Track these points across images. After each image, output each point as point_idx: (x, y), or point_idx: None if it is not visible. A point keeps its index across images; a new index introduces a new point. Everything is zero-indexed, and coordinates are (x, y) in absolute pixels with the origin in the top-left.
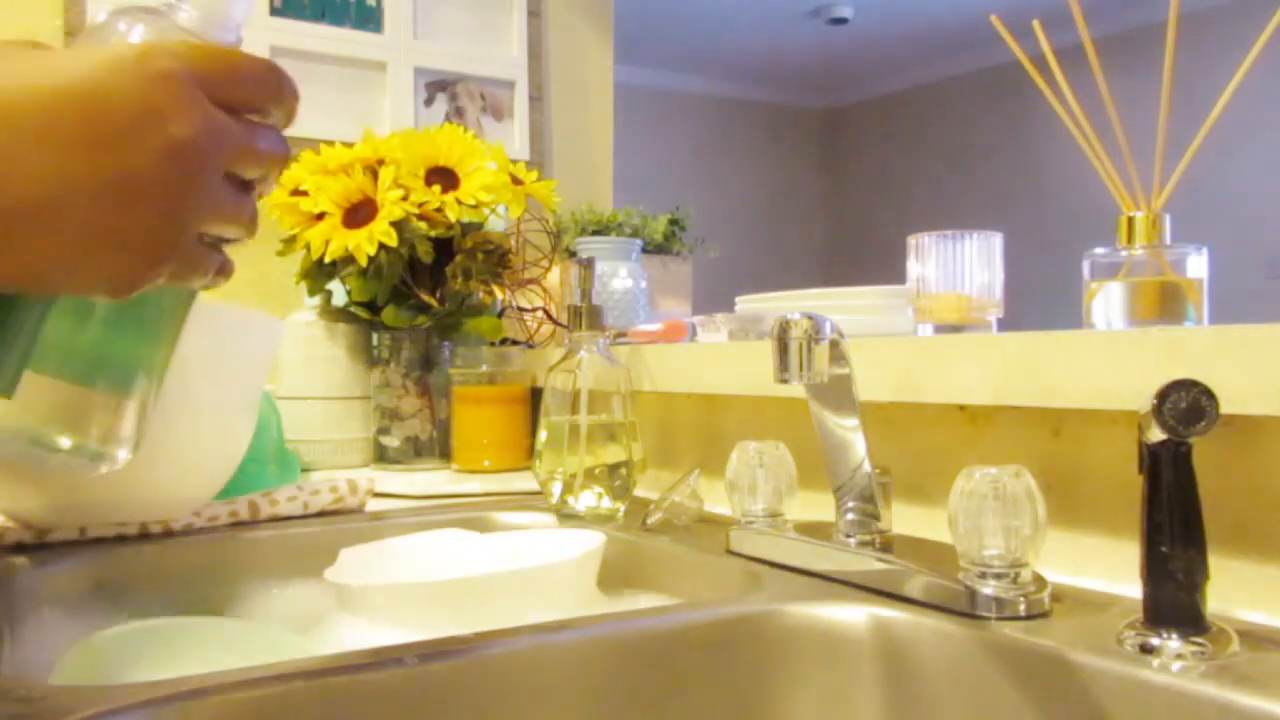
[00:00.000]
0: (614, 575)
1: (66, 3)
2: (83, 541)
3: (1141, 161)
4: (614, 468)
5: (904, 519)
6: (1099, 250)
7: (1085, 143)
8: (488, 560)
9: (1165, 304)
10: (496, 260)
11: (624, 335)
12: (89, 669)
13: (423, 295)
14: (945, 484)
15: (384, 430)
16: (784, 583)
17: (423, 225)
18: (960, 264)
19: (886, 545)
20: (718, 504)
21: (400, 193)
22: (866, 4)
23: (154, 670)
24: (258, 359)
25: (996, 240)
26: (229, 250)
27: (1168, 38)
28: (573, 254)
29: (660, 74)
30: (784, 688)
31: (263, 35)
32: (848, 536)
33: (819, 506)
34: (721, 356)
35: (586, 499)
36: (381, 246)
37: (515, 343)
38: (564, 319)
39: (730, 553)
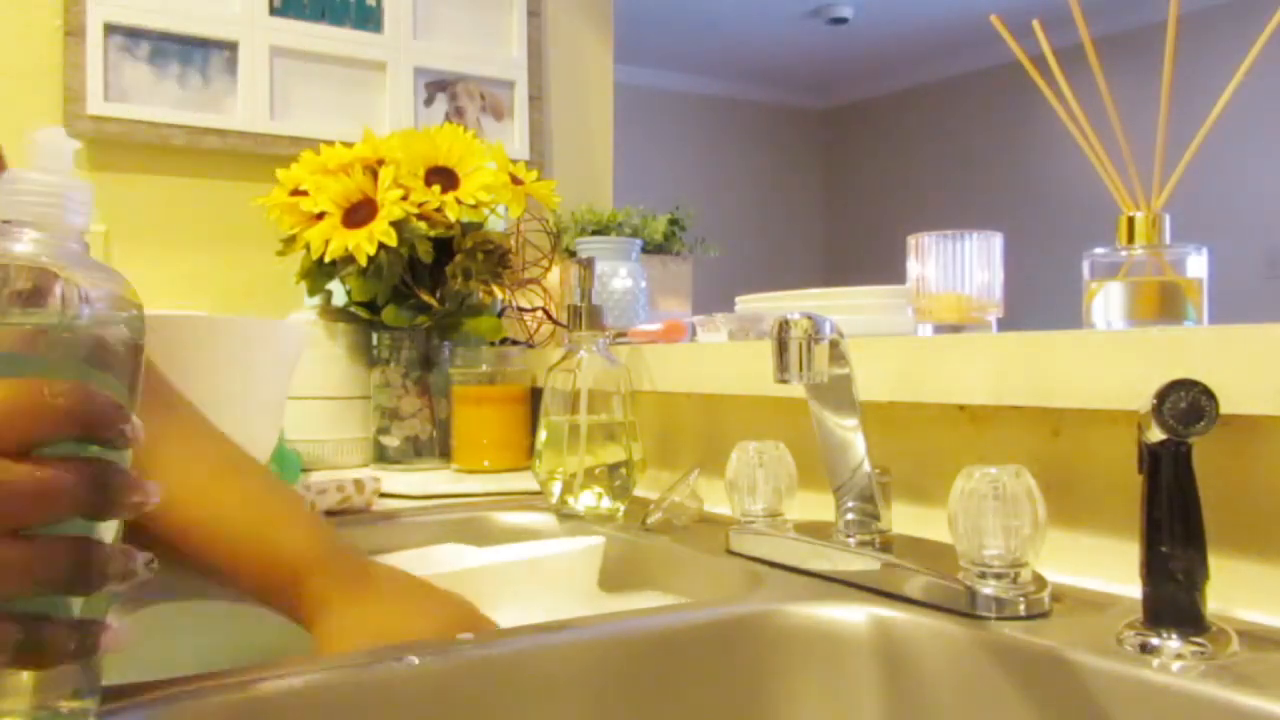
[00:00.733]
0: (614, 575)
1: (66, 3)
2: None
3: (1141, 161)
4: (614, 468)
5: (904, 519)
6: (1099, 250)
7: (1085, 143)
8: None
9: (1165, 304)
10: (496, 260)
11: (624, 335)
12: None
13: (423, 295)
14: (945, 484)
15: (384, 430)
16: (784, 583)
17: (422, 225)
18: (960, 264)
19: (886, 545)
20: (718, 504)
21: (400, 192)
22: (866, 4)
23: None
24: (281, 366)
25: (996, 240)
26: None
27: (1168, 38)
28: (573, 254)
29: (660, 74)
30: (784, 688)
31: (262, 35)
32: (847, 536)
33: (819, 506)
34: (721, 356)
35: (586, 499)
36: (381, 246)
37: (515, 343)
38: (564, 319)
39: (730, 553)
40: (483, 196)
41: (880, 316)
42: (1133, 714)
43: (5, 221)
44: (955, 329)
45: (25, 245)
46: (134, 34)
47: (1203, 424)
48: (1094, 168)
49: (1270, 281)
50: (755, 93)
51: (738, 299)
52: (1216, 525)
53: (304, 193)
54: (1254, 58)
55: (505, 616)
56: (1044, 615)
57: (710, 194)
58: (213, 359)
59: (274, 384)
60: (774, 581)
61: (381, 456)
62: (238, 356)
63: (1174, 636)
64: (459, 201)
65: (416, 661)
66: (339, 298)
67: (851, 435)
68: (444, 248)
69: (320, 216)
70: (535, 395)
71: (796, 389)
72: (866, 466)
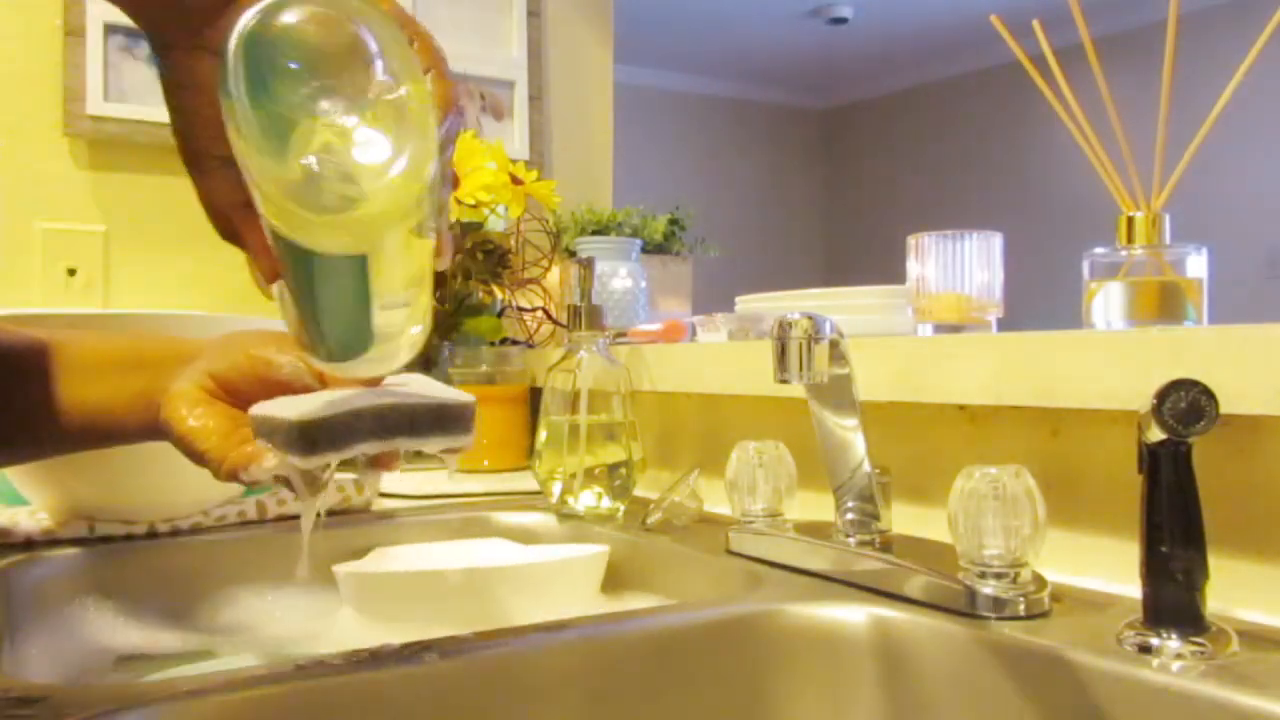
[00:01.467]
0: (614, 575)
1: (66, 3)
2: (88, 540)
3: (1141, 161)
4: (614, 468)
5: (904, 519)
6: (1099, 250)
7: (1085, 143)
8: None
9: (1165, 304)
10: (496, 260)
11: (624, 335)
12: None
13: None
14: (945, 484)
15: None
16: (784, 582)
17: None
18: (960, 264)
19: (886, 545)
20: (717, 504)
21: None
22: (866, 4)
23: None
24: None
25: (996, 240)
26: None
27: (1168, 38)
28: (572, 254)
29: (660, 74)
30: (784, 688)
31: None
32: (847, 536)
33: (819, 506)
34: (721, 356)
35: (586, 499)
36: None
37: (515, 343)
38: (564, 319)
39: (730, 553)
40: (482, 196)
41: (880, 316)
42: (1132, 714)
43: None
44: (955, 329)
45: None
46: (134, 34)
47: (1203, 424)
48: (1094, 168)
49: (1270, 281)
50: (755, 93)
51: (738, 299)
52: (1216, 525)
53: None
54: (1254, 58)
55: (512, 616)
56: (1044, 615)
57: (710, 194)
58: None
59: None
60: (774, 581)
61: None
62: None
63: (1174, 636)
64: (459, 201)
65: (439, 658)
66: None
67: (851, 435)
68: None
69: None
70: (535, 395)
71: (796, 389)
72: (866, 466)
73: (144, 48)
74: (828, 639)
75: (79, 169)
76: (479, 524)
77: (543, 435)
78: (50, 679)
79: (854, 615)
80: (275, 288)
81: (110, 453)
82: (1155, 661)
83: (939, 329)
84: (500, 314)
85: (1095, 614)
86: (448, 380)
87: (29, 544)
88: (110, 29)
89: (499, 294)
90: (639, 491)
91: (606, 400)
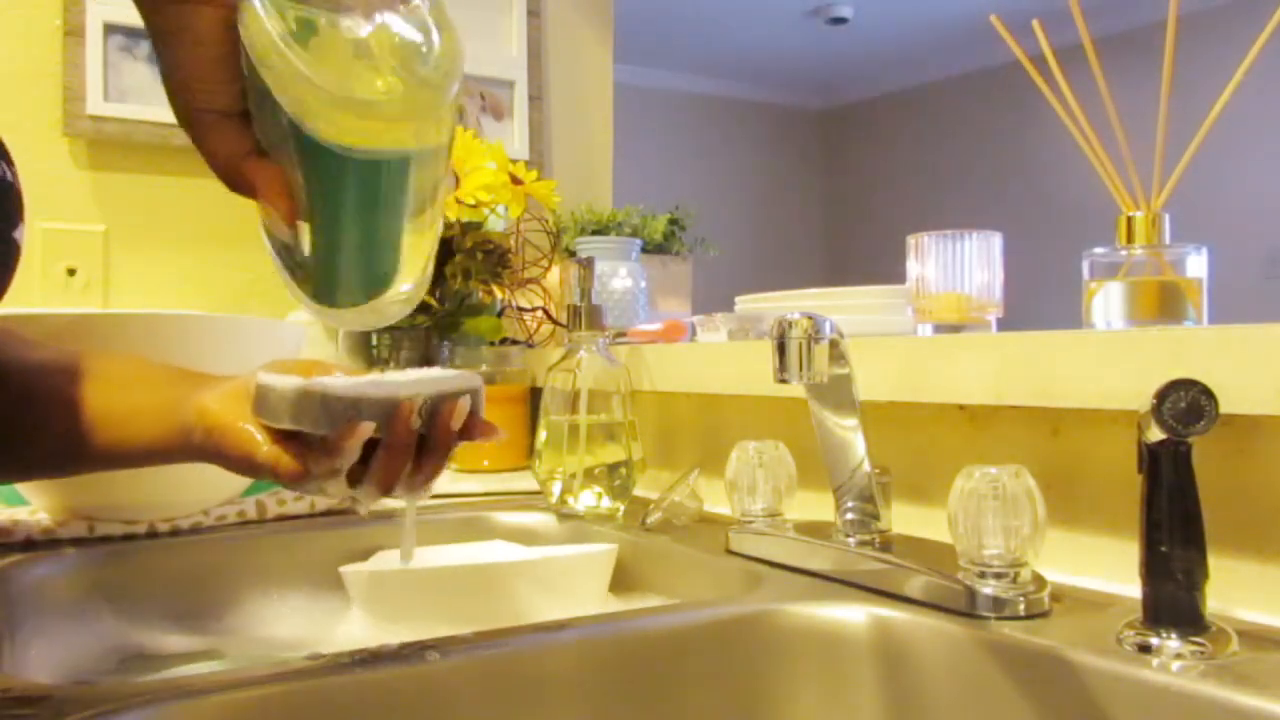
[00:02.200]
0: (613, 575)
1: (66, 3)
2: (88, 540)
3: (1141, 161)
4: (613, 467)
5: (904, 519)
6: (1099, 250)
7: (1085, 143)
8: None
9: (1165, 304)
10: (496, 260)
11: (623, 335)
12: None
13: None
14: (945, 484)
15: None
16: (783, 582)
17: None
18: (960, 264)
19: (886, 545)
20: (717, 504)
21: None
22: (866, 4)
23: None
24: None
25: (996, 240)
26: None
27: (1167, 38)
28: (572, 254)
29: (660, 74)
30: (784, 687)
31: None
32: (847, 536)
33: (819, 506)
34: (721, 356)
35: (586, 499)
36: None
37: (515, 342)
38: (563, 319)
39: (730, 552)
40: (482, 196)
41: (880, 316)
42: (1132, 714)
43: None
44: (955, 329)
45: None
46: (134, 34)
47: (1202, 424)
48: (1094, 168)
49: (1270, 281)
50: (755, 93)
51: (738, 299)
52: (1216, 525)
53: None
54: (1254, 58)
55: (522, 614)
56: (1044, 615)
57: (710, 194)
58: (212, 359)
59: None
60: (774, 581)
61: None
62: (237, 356)
63: (1174, 636)
64: (459, 201)
65: (439, 657)
66: None
67: (851, 435)
68: (443, 247)
69: None
70: (535, 395)
71: (796, 389)
72: (866, 466)
73: (144, 47)
74: (828, 639)
75: (79, 169)
76: (479, 524)
77: (543, 435)
78: (50, 679)
79: (854, 615)
80: (269, 242)
81: None
82: (1155, 661)
83: (939, 329)
84: (500, 314)
85: (1095, 614)
86: None
87: (29, 544)
88: (110, 29)
89: (499, 294)
90: (639, 491)
91: (606, 400)
